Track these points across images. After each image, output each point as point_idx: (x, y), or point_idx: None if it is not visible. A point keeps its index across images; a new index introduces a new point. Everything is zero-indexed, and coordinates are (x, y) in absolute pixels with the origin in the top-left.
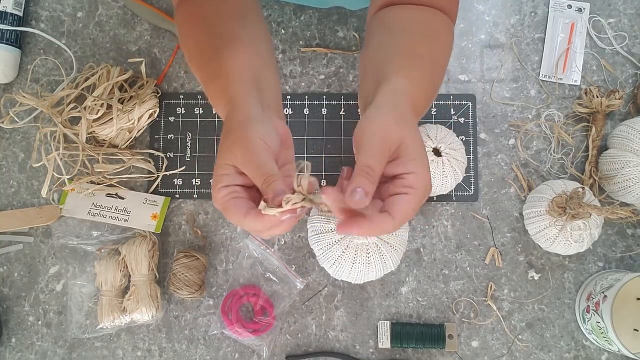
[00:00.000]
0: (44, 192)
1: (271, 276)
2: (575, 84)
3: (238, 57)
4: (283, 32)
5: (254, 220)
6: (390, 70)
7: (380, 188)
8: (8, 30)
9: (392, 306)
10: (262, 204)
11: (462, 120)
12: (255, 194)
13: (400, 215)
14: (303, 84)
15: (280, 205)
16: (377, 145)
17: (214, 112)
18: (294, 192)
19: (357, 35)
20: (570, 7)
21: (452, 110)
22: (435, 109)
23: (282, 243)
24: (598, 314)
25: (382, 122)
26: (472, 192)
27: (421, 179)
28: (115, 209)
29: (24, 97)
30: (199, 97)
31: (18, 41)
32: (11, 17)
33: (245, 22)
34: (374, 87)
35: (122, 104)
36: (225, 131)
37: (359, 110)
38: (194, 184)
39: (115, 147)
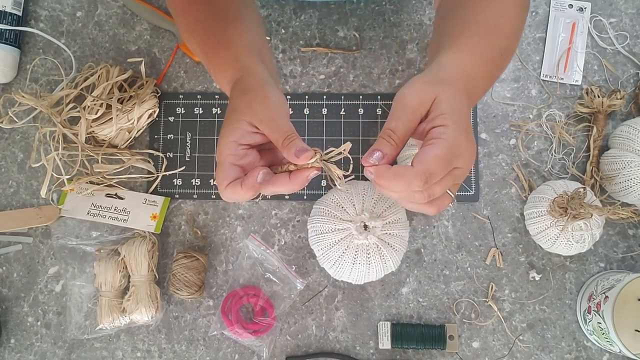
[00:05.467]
0: (43, 192)
1: (271, 276)
2: (576, 83)
3: (245, 31)
4: (283, 31)
5: (230, 190)
6: (440, 50)
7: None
8: (7, 29)
9: (393, 307)
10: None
11: None
12: (255, 157)
13: (419, 163)
14: (303, 84)
15: (298, 164)
16: (402, 106)
17: (214, 112)
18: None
19: (357, 35)
20: (571, 6)
21: None
22: None
23: (282, 243)
24: (599, 315)
25: (413, 85)
26: (472, 192)
27: (449, 131)
28: (115, 209)
29: (23, 96)
30: (199, 96)
31: (17, 41)
32: (10, 17)
33: (244, 4)
34: None
35: (121, 103)
36: (240, 91)
37: None
38: (193, 184)
39: (115, 147)
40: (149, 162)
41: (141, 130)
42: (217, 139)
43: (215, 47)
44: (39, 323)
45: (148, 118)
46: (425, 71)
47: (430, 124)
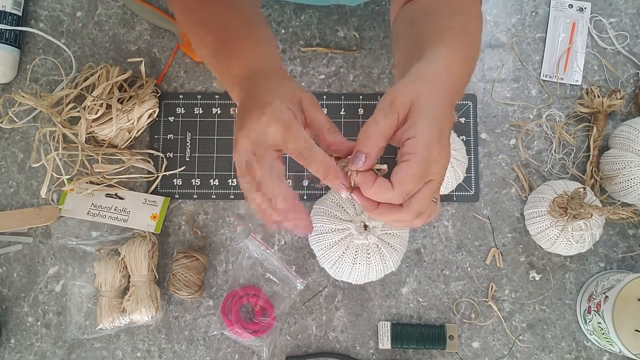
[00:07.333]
0: (43, 192)
1: (271, 276)
2: (576, 83)
3: (267, 31)
4: (283, 31)
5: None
6: (422, 50)
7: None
8: (7, 29)
9: (393, 306)
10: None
11: (462, 120)
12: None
13: (397, 183)
14: (303, 84)
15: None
16: (384, 101)
17: (214, 112)
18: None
19: (357, 35)
20: (571, 6)
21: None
22: None
23: (282, 243)
24: (599, 315)
25: (397, 84)
26: (472, 192)
27: (419, 143)
28: (115, 209)
29: (23, 96)
30: (199, 96)
31: (17, 41)
32: (10, 17)
33: (255, 9)
34: None
35: (121, 103)
36: (280, 77)
37: None
38: (193, 184)
39: (115, 147)
40: (149, 162)
41: (141, 130)
42: (217, 139)
43: (239, 41)
44: (39, 323)
45: (148, 118)
46: (412, 68)
47: (405, 134)
